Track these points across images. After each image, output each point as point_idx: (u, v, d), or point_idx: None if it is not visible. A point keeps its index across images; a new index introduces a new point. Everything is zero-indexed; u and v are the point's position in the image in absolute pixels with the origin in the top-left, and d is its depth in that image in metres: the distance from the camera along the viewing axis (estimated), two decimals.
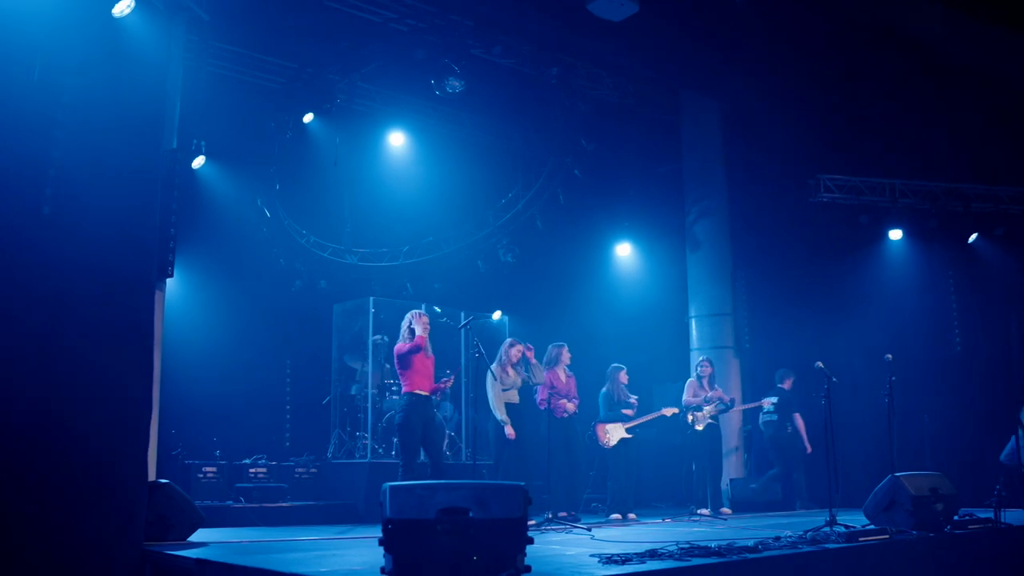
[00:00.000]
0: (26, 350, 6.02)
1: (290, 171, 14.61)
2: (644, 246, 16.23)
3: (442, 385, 9.82)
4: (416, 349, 9.49)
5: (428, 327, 9.66)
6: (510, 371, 10.49)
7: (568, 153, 16.18)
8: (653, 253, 15.92)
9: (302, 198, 14.67)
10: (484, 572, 4.71)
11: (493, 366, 10.39)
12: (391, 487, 4.86)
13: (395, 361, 9.64)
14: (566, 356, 11.06)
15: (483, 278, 17.65)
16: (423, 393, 9.46)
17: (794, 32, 11.97)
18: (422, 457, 9.60)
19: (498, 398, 10.32)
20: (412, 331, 9.59)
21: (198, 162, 12.56)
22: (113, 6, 7.03)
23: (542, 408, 10.78)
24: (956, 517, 7.97)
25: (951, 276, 13.96)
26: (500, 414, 10.28)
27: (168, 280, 8.96)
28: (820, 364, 8.55)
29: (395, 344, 9.85)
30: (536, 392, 10.89)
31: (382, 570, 4.82)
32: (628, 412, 11.49)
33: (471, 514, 4.77)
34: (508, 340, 10.75)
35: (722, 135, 14.66)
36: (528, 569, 4.85)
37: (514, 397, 10.50)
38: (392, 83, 13.83)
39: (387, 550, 4.76)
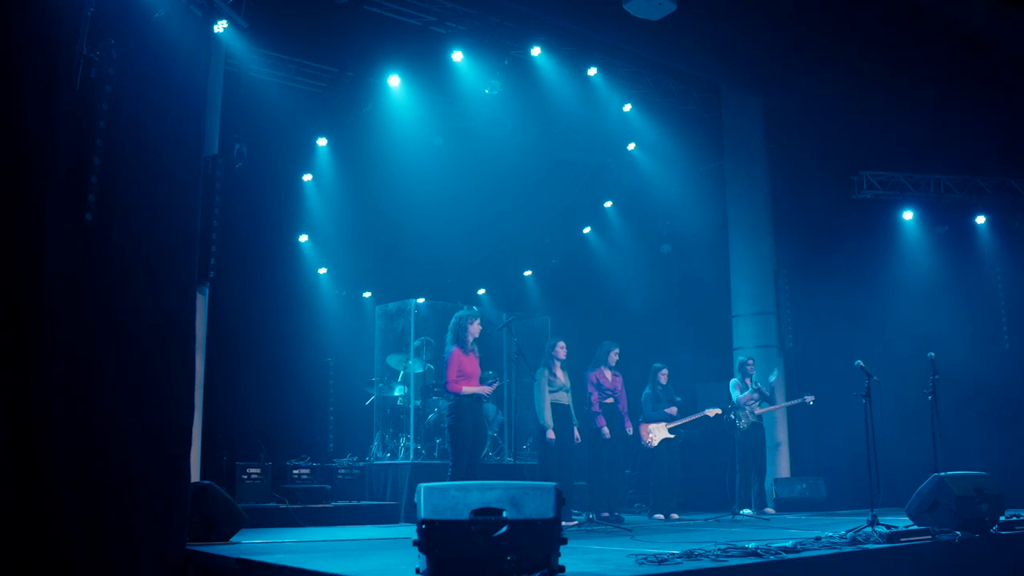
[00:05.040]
0: (70, 354, 6.12)
1: (331, 173, 14.71)
2: (687, 245, 16.16)
3: (487, 389, 9.77)
4: (463, 353, 9.57)
5: (479, 329, 9.71)
6: (559, 373, 10.52)
7: (610, 153, 16.20)
8: (696, 252, 15.83)
9: (344, 200, 14.76)
10: (518, 572, 4.72)
11: (542, 370, 10.42)
12: (426, 488, 4.88)
13: (446, 364, 9.66)
14: (614, 357, 11.10)
15: (526, 279, 17.74)
16: (473, 394, 9.51)
17: (836, 25, 11.84)
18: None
19: (545, 402, 10.33)
20: (459, 335, 9.65)
21: (239, 166, 12.68)
22: (155, 14, 7.13)
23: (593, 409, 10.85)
24: (1003, 518, 7.82)
25: (999, 272, 13.74)
26: (545, 418, 10.29)
27: (209, 283, 9.05)
28: (860, 363, 8.45)
29: (440, 346, 9.88)
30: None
31: (417, 571, 4.84)
32: (671, 411, 11.48)
33: (505, 514, 4.78)
34: (551, 341, 10.77)
35: (764, 131, 14.56)
36: (562, 569, 4.85)
37: (563, 398, 10.51)
38: (433, 85, 13.85)
39: (422, 551, 4.79)
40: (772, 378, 12.35)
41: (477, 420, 9.55)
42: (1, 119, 5.97)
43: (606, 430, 10.75)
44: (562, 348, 10.60)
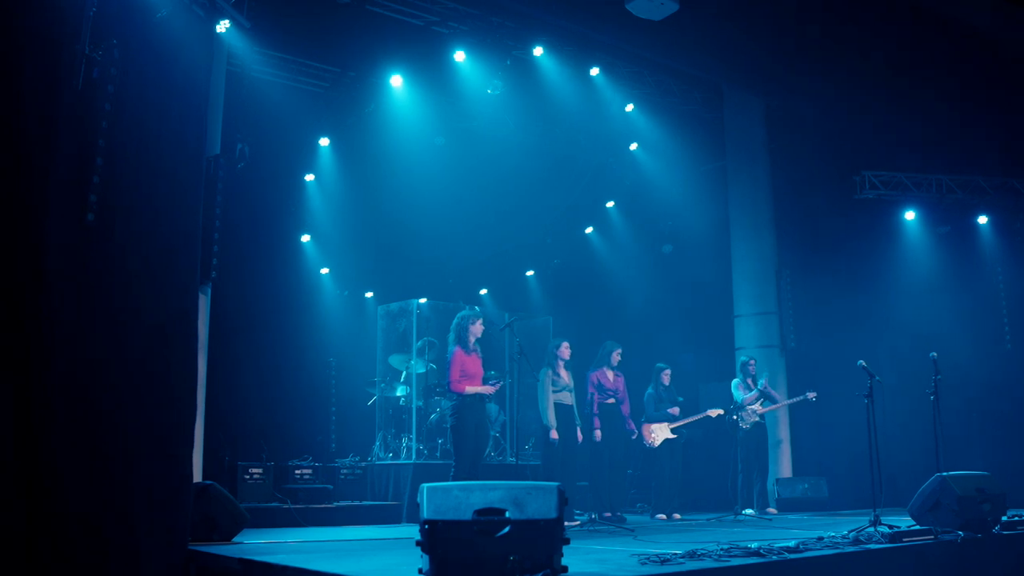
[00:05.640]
0: (72, 354, 6.12)
1: (334, 173, 14.72)
2: (688, 245, 16.15)
3: (490, 389, 9.78)
4: (465, 353, 9.58)
5: (482, 330, 9.73)
6: (562, 373, 10.53)
7: (612, 153, 16.19)
8: (698, 252, 15.81)
9: (346, 200, 14.76)
10: (521, 572, 4.72)
11: (546, 370, 10.42)
12: (428, 488, 4.88)
13: (449, 364, 9.67)
14: (616, 357, 11.08)
15: (528, 279, 17.73)
16: (476, 394, 9.51)
17: (838, 25, 11.83)
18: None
19: (549, 402, 10.33)
20: (462, 336, 9.65)
21: (241, 166, 12.68)
22: (157, 14, 7.13)
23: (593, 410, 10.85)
24: (1005, 518, 7.82)
25: (1001, 272, 13.74)
26: (548, 418, 10.29)
27: (211, 283, 9.05)
28: (863, 363, 8.44)
29: (442, 346, 9.88)
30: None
31: (420, 571, 4.84)
32: (674, 411, 11.48)
33: (508, 515, 4.78)
34: (555, 342, 10.76)
35: (766, 131, 14.53)
36: (565, 569, 4.85)
37: (567, 398, 10.51)
38: (435, 85, 13.85)
39: (424, 551, 4.78)
40: (761, 383, 12.32)
41: (480, 420, 9.55)
42: (2, 119, 5.97)
43: (598, 433, 10.73)
44: (566, 348, 10.61)
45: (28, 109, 6.07)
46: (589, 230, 17.76)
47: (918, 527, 7.30)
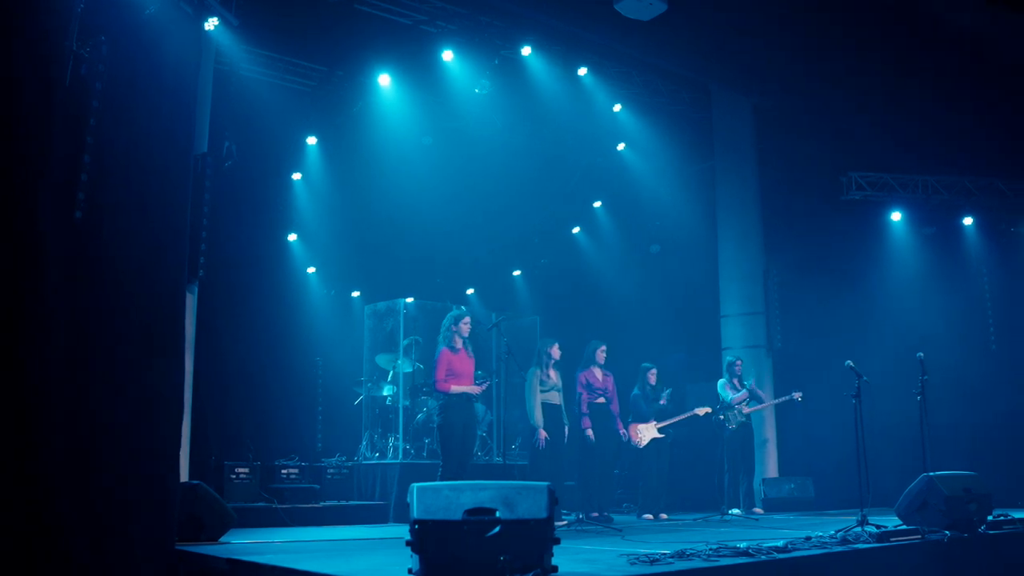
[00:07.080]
0: (61, 353, 6.07)
1: (321, 172, 14.68)
2: (676, 245, 16.17)
3: (477, 388, 9.80)
4: (452, 352, 9.58)
5: (468, 329, 9.73)
6: (551, 373, 10.51)
7: (599, 153, 16.19)
8: (685, 252, 15.84)
9: (333, 199, 14.73)
10: (511, 572, 4.71)
11: (534, 370, 10.41)
12: (419, 488, 4.88)
13: (435, 363, 9.68)
14: (601, 355, 11.05)
15: (515, 279, 17.73)
16: (463, 393, 9.51)
17: (827, 27, 11.86)
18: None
19: (536, 402, 10.32)
20: (448, 335, 9.65)
21: (228, 164, 12.64)
22: (145, 11, 7.09)
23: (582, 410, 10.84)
24: (991, 517, 7.85)
25: (986, 273, 13.81)
26: (535, 419, 10.27)
27: (199, 281, 9.01)
28: (850, 363, 8.47)
29: (429, 345, 9.90)
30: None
31: (410, 571, 4.83)
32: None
33: (498, 514, 4.77)
34: (545, 342, 10.75)
35: (754, 132, 14.56)
36: (555, 569, 4.84)
37: (555, 398, 10.50)
38: (423, 84, 13.83)
39: (414, 551, 4.77)
40: (748, 384, 12.37)
41: (467, 420, 9.55)
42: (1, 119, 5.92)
43: (590, 432, 10.71)
44: (557, 349, 10.59)
45: (25, 109, 6.02)
46: (576, 230, 17.77)
47: (905, 527, 7.32)
